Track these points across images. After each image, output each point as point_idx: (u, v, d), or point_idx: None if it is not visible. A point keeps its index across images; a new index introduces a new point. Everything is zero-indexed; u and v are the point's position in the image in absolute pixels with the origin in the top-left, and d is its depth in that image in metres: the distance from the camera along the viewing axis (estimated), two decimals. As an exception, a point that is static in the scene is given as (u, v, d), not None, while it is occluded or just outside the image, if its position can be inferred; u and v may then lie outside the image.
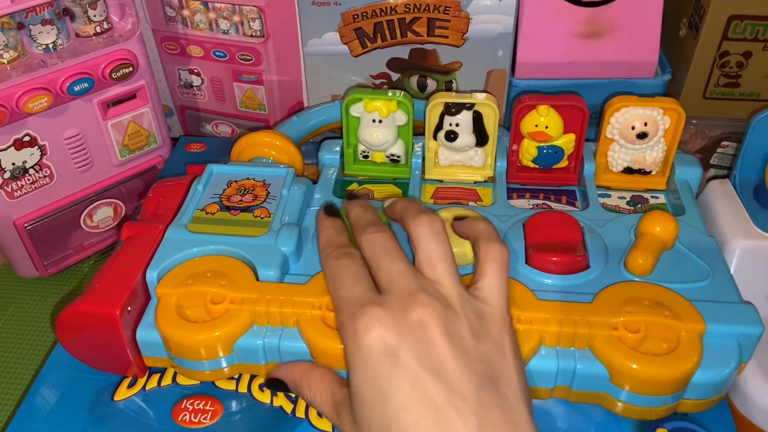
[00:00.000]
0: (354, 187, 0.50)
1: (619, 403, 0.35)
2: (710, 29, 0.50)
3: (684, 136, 0.58)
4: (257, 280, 0.38)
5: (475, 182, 0.50)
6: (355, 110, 0.48)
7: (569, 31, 0.54)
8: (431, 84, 0.56)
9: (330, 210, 0.40)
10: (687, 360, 0.33)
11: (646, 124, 0.45)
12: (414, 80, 0.56)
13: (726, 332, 0.35)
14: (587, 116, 0.46)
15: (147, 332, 0.37)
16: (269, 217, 0.41)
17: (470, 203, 0.48)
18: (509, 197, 0.48)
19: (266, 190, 0.44)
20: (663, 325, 0.34)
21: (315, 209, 0.45)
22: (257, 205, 0.42)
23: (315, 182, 0.48)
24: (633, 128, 0.45)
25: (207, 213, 0.42)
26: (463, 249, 0.39)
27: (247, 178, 0.45)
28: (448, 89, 0.56)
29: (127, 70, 0.52)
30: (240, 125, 0.65)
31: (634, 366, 0.33)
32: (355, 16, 0.52)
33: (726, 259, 0.41)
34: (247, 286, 0.37)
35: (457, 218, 0.40)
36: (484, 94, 0.47)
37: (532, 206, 0.48)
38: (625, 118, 0.45)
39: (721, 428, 0.36)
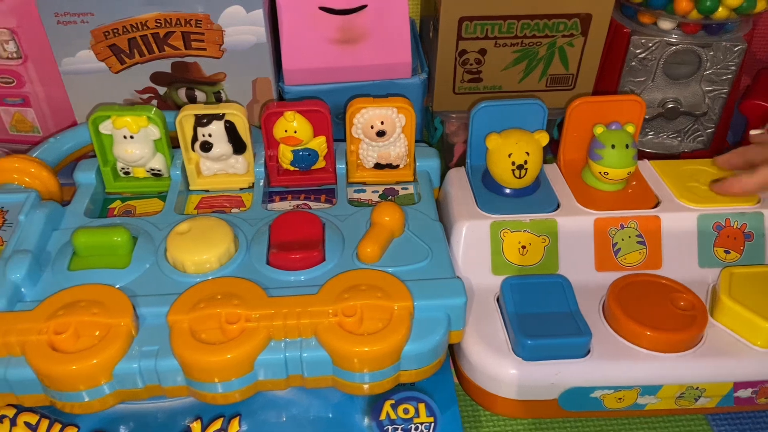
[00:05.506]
0: (117, 204, 0.50)
1: (347, 383, 0.38)
2: (446, 30, 0.55)
3: (450, 128, 0.63)
4: (-19, 311, 0.37)
5: (241, 189, 0.52)
6: (105, 128, 0.48)
7: (327, 38, 0.57)
8: (200, 95, 0.57)
9: None
10: (395, 334, 0.37)
11: (383, 123, 0.49)
12: (182, 93, 0.57)
13: (434, 305, 0.39)
14: (329, 119, 0.49)
15: None
16: (2, 245, 0.40)
17: (233, 210, 0.49)
18: (272, 201, 0.51)
19: (3, 217, 0.42)
20: (376, 306, 0.38)
21: (62, 231, 0.44)
22: (-10, 234, 0.41)
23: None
24: (372, 127, 0.49)
25: (-66, 248, 0.40)
26: None
27: (-17, 208, 0.43)
28: (218, 99, 0.57)
29: None
30: (16, 150, 0.62)
31: (348, 347, 0.36)
32: (107, 33, 0.52)
33: (455, 238, 0.46)
34: (-34, 319, 0.36)
35: None
36: (233, 104, 0.49)
37: (293, 207, 0.50)
38: (365, 118, 0.49)
39: (443, 393, 0.40)
